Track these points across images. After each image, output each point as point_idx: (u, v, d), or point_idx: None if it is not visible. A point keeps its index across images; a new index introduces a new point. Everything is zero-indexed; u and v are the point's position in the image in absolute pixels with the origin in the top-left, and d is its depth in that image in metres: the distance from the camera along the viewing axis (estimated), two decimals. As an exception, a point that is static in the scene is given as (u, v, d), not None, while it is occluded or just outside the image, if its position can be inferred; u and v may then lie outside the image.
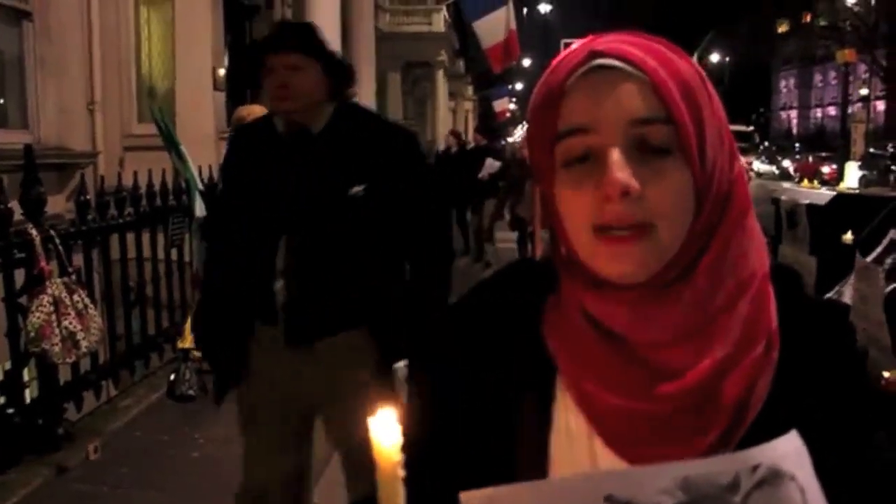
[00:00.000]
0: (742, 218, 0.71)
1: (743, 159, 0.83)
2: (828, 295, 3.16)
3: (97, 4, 6.83)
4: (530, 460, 0.71)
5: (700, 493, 0.51)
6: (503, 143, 17.86)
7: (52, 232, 3.79)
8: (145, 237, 4.90)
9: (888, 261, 2.79)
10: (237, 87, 8.26)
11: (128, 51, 7.60)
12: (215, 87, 7.85)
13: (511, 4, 10.95)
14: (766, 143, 48.97)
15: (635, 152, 0.66)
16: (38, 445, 3.67)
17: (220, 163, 5.71)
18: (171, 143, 4.98)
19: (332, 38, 8.89)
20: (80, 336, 3.54)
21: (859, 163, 25.03)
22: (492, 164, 9.12)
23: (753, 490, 0.52)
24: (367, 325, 2.15)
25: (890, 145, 27.39)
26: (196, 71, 7.61)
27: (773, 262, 0.75)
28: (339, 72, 2.15)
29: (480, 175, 9.13)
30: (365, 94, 12.72)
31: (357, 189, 2.07)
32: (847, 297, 2.75)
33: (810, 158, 33.32)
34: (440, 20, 22.36)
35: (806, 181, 29.46)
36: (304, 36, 2.11)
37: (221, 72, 7.98)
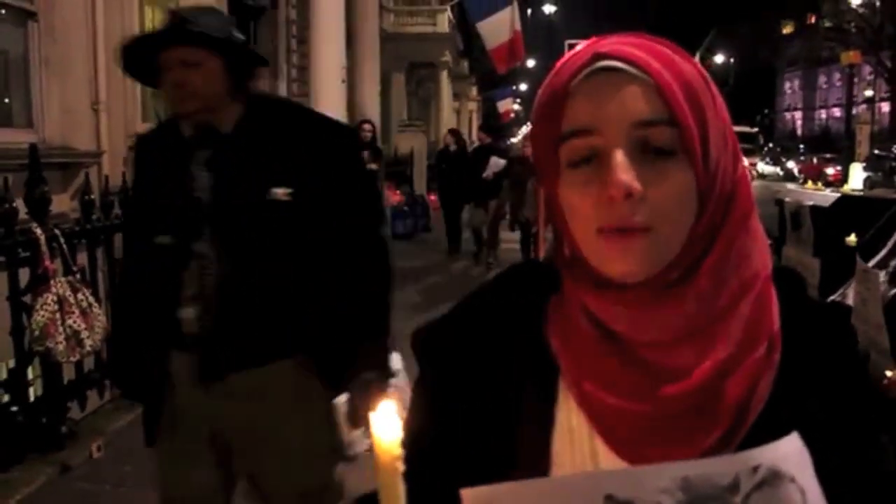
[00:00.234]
0: (745, 219, 0.71)
1: (747, 160, 0.83)
2: (832, 297, 3.15)
3: (102, 5, 6.84)
4: (531, 460, 0.72)
5: (700, 494, 0.51)
6: (508, 142, 17.83)
7: (57, 231, 3.81)
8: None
9: (893, 263, 2.78)
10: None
11: (132, 51, 7.60)
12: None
13: (516, 5, 10.97)
14: (771, 145, 48.94)
15: (639, 153, 0.67)
16: (42, 444, 3.69)
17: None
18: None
19: (336, 38, 8.85)
20: (84, 335, 3.55)
21: (864, 164, 25.02)
22: (496, 163, 9.05)
23: (753, 491, 0.52)
24: (299, 355, 1.90)
25: (895, 147, 27.32)
26: (200, 71, 7.61)
27: (776, 265, 0.75)
28: (245, 62, 1.89)
29: (485, 174, 9.07)
30: (369, 95, 12.73)
31: (279, 192, 1.81)
32: (851, 299, 2.74)
33: (815, 160, 33.32)
34: (444, 21, 22.37)
35: (810, 183, 29.44)
36: (200, 26, 1.81)
37: (226, 72, 7.99)
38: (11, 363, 3.76)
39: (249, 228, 1.83)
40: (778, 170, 37.61)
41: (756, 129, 45.53)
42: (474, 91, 37.98)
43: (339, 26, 9.85)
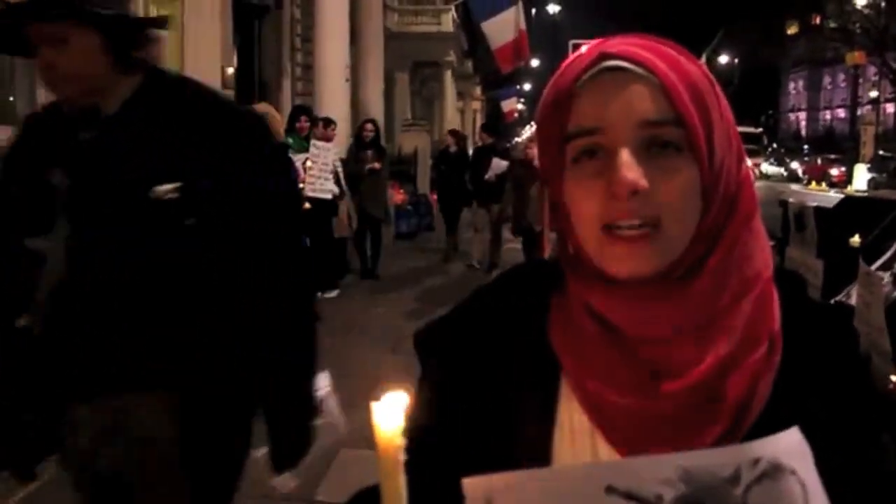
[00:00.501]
0: (749, 219, 0.72)
1: (751, 161, 0.84)
2: (837, 298, 3.15)
3: (107, 3, 6.86)
4: (533, 457, 0.72)
5: (701, 485, 0.52)
6: (512, 143, 17.80)
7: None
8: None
9: (896, 266, 2.78)
10: (246, 87, 8.28)
11: (137, 49, 7.62)
12: (224, 86, 7.88)
13: (520, 5, 10.96)
14: (775, 145, 48.80)
15: (644, 152, 0.67)
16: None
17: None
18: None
19: (340, 37, 8.84)
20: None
21: (868, 165, 24.95)
22: (498, 164, 8.91)
23: (754, 483, 0.52)
24: (175, 389, 1.55)
25: (899, 148, 27.25)
26: (204, 70, 7.63)
27: (778, 267, 0.76)
28: (128, 32, 1.56)
29: (487, 176, 8.96)
30: (373, 94, 12.74)
31: (164, 189, 1.48)
32: (854, 300, 2.74)
33: (819, 161, 33.21)
34: (449, 20, 22.34)
35: (814, 183, 29.36)
36: None
37: (230, 71, 8.01)
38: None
39: (121, 232, 1.51)
40: (782, 170, 37.49)
41: (760, 130, 45.39)
42: (478, 91, 37.93)
43: (344, 25, 9.86)
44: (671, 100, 0.67)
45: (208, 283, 1.54)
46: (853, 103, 35.42)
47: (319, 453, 1.69)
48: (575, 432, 0.73)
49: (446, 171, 10.02)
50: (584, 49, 0.72)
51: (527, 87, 47.23)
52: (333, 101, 9.33)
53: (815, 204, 5.21)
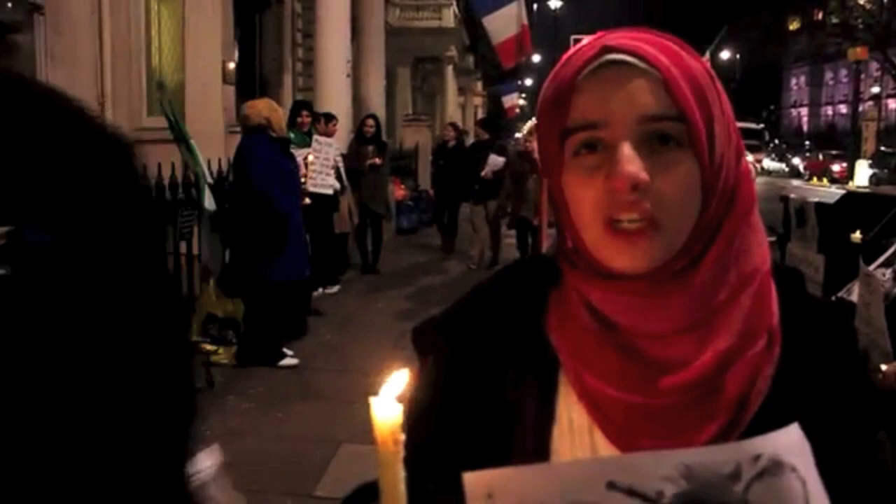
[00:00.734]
0: (747, 214, 0.72)
1: (752, 156, 0.84)
2: (839, 293, 3.15)
3: (108, -1, 6.86)
4: (531, 453, 0.72)
5: (702, 481, 0.52)
6: (512, 140, 17.73)
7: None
8: (154, 230, 4.91)
9: (898, 264, 2.77)
10: (247, 81, 8.27)
11: (138, 44, 7.62)
12: (225, 81, 7.86)
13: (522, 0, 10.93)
14: (776, 141, 48.79)
15: (645, 146, 0.67)
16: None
17: (228, 157, 5.71)
18: (180, 137, 5.00)
19: (341, 32, 8.84)
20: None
21: (870, 161, 24.92)
22: (495, 161, 8.79)
23: (755, 480, 0.52)
24: None
25: (901, 144, 27.23)
26: (206, 65, 7.63)
27: (776, 263, 0.76)
28: None
29: (483, 173, 8.84)
30: (374, 89, 12.72)
31: None
32: (855, 296, 2.74)
33: (820, 156, 33.22)
34: (450, 15, 22.31)
35: (815, 179, 29.34)
36: None
37: (231, 65, 7.99)
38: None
39: None
40: (783, 166, 37.49)
41: (762, 126, 45.38)
42: (479, 86, 37.90)
43: (345, 20, 9.84)
44: (673, 95, 0.67)
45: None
46: (855, 99, 35.36)
47: (319, 449, 1.54)
48: (574, 427, 0.73)
49: (444, 165, 9.97)
50: (585, 42, 0.72)
51: (528, 82, 47.20)
52: (334, 96, 9.31)
53: (816, 199, 5.19)
